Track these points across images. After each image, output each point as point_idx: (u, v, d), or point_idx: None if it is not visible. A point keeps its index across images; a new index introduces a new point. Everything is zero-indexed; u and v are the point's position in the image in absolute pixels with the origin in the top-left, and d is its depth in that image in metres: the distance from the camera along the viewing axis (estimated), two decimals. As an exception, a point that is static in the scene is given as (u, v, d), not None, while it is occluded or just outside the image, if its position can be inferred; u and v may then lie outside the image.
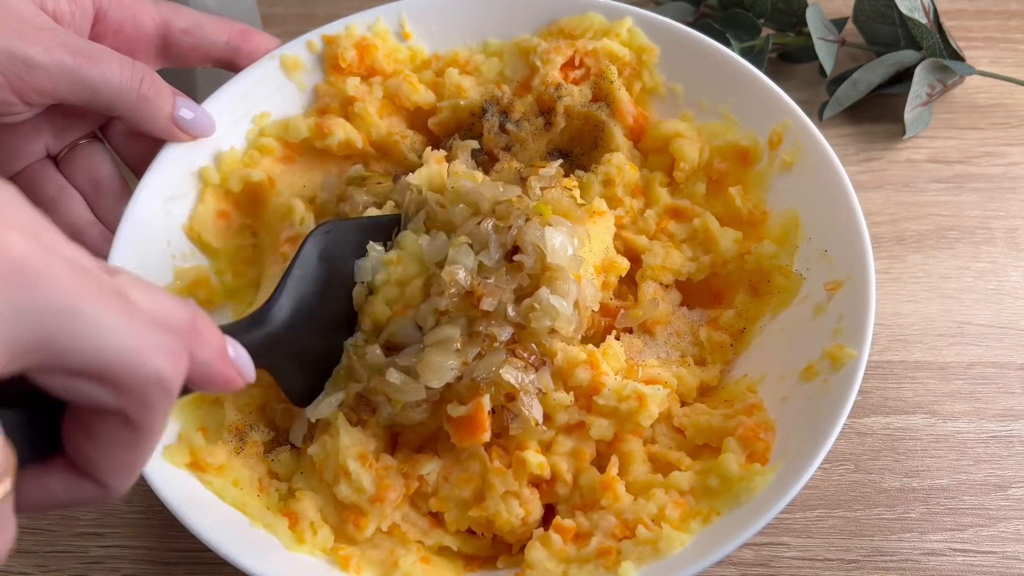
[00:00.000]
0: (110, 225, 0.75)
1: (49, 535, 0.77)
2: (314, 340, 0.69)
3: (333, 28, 0.85)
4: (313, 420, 0.71)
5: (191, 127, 0.76)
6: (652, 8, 0.96)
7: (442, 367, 0.66)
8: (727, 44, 0.96)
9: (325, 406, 0.70)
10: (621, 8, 0.85)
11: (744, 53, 0.96)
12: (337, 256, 0.71)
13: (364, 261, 0.72)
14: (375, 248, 0.73)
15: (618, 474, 0.69)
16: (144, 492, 0.65)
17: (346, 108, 0.84)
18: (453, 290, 0.68)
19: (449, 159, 0.79)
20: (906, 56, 0.97)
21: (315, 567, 0.66)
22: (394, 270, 0.71)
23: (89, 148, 0.79)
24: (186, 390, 0.46)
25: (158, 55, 0.79)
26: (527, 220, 0.69)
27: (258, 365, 0.53)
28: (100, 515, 0.78)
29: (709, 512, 0.65)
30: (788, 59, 1.05)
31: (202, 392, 0.48)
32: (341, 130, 0.82)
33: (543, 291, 0.68)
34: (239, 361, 0.49)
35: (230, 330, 0.52)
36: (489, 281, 0.68)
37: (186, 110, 0.76)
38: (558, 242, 0.69)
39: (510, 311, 0.68)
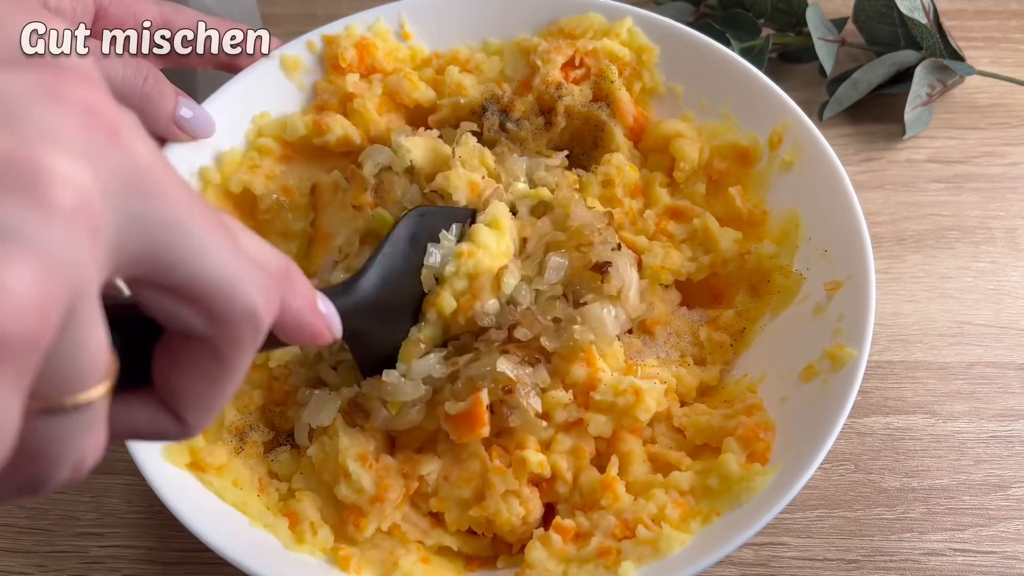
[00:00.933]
0: None
1: (49, 535, 0.77)
2: (389, 317, 0.70)
3: (333, 28, 0.85)
4: (314, 426, 0.71)
5: (191, 127, 0.76)
6: (652, 8, 0.96)
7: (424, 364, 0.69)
8: (727, 44, 0.96)
9: (324, 415, 0.70)
10: (621, 8, 0.85)
11: (744, 53, 0.96)
12: (425, 240, 0.72)
13: (435, 249, 0.72)
14: (447, 237, 0.73)
15: (618, 474, 0.69)
16: (144, 492, 0.65)
17: (345, 105, 0.84)
18: (487, 321, 0.70)
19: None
20: (906, 56, 0.97)
21: (315, 567, 0.66)
22: (464, 263, 0.71)
23: None
24: (275, 343, 0.47)
25: (160, 57, 0.79)
26: (614, 250, 0.73)
27: (343, 331, 0.54)
28: (100, 515, 0.78)
29: (709, 512, 0.65)
30: (788, 59, 1.05)
31: (290, 342, 0.49)
32: (339, 126, 0.82)
33: (596, 306, 0.71)
34: (329, 316, 0.50)
35: (321, 292, 0.54)
36: (529, 310, 0.71)
37: (186, 109, 0.76)
38: (633, 280, 0.73)
39: (545, 343, 0.70)
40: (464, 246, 0.72)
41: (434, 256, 0.72)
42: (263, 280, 0.41)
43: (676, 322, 0.78)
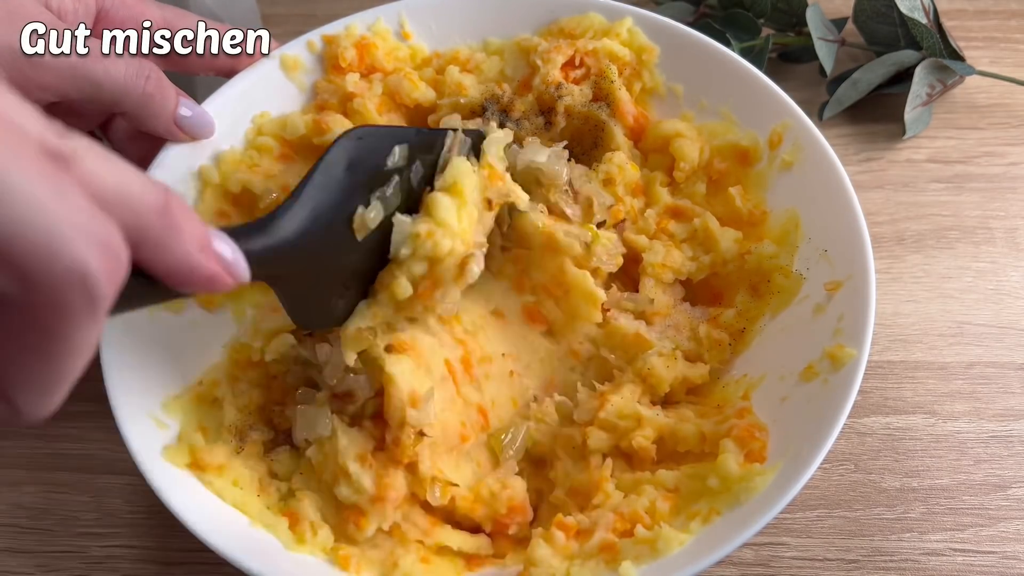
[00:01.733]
0: None
1: (49, 535, 0.77)
2: (327, 260, 0.61)
3: (333, 28, 0.85)
4: (312, 439, 0.70)
5: (190, 126, 0.76)
6: (652, 8, 0.96)
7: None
8: (727, 44, 0.96)
9: (320, 427, 0.69)
10: (621, 8, 0.85)
11: (744, 53, 0.96)
12: (369, 169, 0.62)
13: (377, 202, 0.62)
14: (401, 220, 0.64)
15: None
16: (144, 492, 0.65)
17: (345, 105, 0.84)
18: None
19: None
20: (906, 56, 0.98)
21: (315, 567, 0.66)
22: (423, 245, 0.64)
23: None
24: (169, 292, 0.41)
25: (160, 58, 0.79)
26: None
27: (256, 276, 0.47)
28: (100, 515, 0.78)
29: (709, 512, 0.65)
30: (788, 59, 1.05)
31: (182, 290, 0.42)
32: (339, 126, 0.82)
33: None
34: (229, 258, 0.44)
35: (227, 232, 0.47)
36: None
37: (186, 109, 0.76)
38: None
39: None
40: (422, 226, 0.64)
41: (376, 211, 0.63)
42: (103, 232, 0.34)
43: (676, 315, 0.78)
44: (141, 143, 0.78)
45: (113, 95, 0.71)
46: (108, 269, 0.34)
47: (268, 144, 0.82)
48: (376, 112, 0.83)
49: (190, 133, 0.77)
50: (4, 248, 0.31)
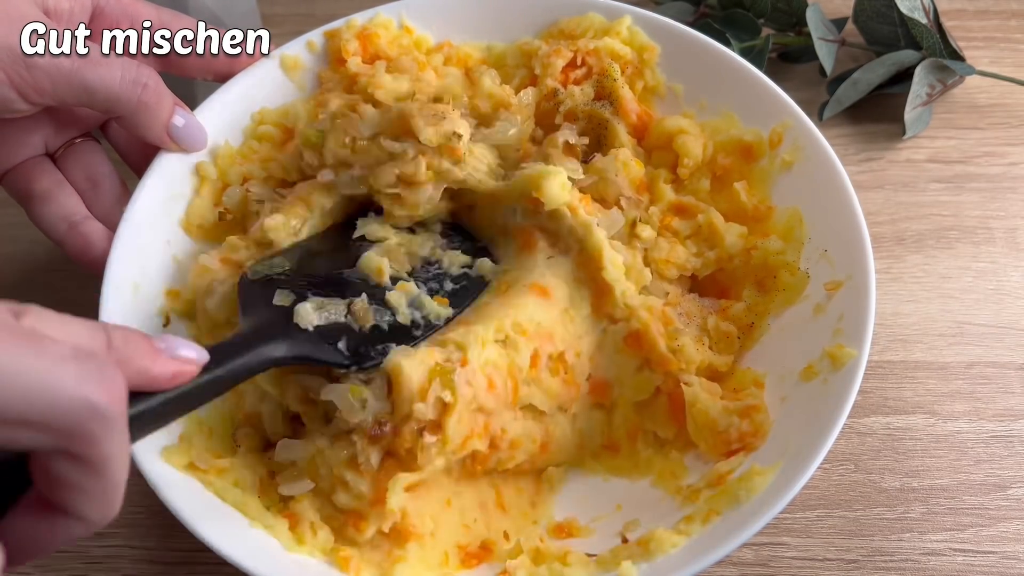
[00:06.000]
0: (109, 224, 0.75)
1: (49, 535, 0.77)
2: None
3: (333, 25, 0.85)
4: (298, 460, 0.70)
5: (182, 137, 0.76)
6: (652, 8, 0.96)
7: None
8: (727, 44, 0.96)
9: (303, 451, 0.70)
10: (620, 8, 0.85)
11: (744, 53, 0.96)
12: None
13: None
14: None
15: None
16: (144, 492, 0.65)
17: (350, 88, 0.83)
18: None
19: None
20: (906, 56, 0.98)
21: (315, 567, 0.66)
22: None
23: (85, 146, 0.79)
24: (173, 411, 0.47)
25: (159, 59, 0.78)
26: None
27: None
28: (100, 515, 0.78)
29: (708, 512, 0.65)
30: (788, 59, 1.05)
31: (163, 390, 0.49)
32: (339, 99, 0.81)
33: None
34: (174, 349, 0.49)
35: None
36: None
37: (179, 118, 0.75)
38: None
39: None
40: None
41: None
42: (89, 368, 0.39)
43: (687, 304, 0.77)
44: (141, 145, 0.78)
45: (107, 102, 0.70)
46: (109, 391, 0.40)
47: (268, 132, 0.82)
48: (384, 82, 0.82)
49: (181, 144, 0.77)
50: (23, 415, 0.37)
